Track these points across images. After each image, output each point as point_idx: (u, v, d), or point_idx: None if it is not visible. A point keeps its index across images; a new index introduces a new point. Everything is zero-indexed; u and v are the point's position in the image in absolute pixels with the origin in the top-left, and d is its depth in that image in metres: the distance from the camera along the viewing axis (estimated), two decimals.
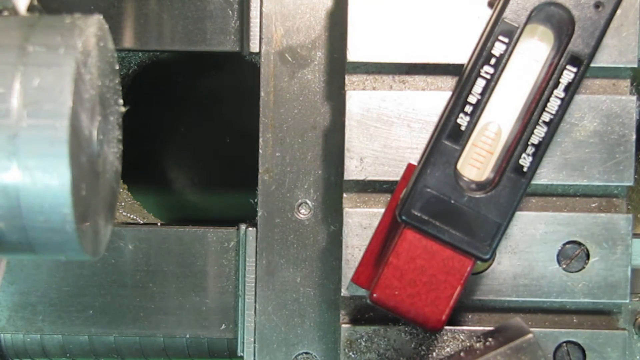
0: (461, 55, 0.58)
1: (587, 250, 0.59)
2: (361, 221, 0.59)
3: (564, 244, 0.59)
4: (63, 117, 0.39)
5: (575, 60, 0.54)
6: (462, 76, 0.55)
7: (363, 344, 0.60)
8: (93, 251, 0.44)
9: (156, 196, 0.87)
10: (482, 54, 0.54)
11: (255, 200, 0.66)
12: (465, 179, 0.55)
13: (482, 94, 0.54)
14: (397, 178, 0.58)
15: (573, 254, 0.59)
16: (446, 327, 0.58)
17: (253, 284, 0.66)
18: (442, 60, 0.58)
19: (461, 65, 0.57)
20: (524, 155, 0.54)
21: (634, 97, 0.58)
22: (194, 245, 0.67)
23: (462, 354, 0.58)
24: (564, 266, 0.59)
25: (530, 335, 0.55)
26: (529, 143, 0.54)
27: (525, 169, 0.54)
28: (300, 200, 0.65)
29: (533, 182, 0.55)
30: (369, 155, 0.59)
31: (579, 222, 0.59)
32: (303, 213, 0.65)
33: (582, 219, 0.59)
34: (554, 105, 0.54)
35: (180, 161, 0.88)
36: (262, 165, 0.65)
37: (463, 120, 0.54)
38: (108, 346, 0.71)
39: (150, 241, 0.67)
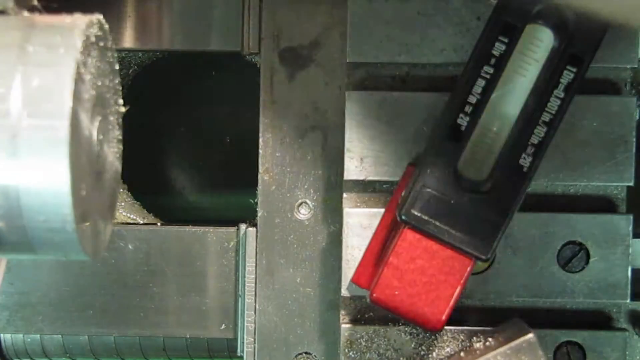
0: (461, 55, 0.58)
1: (587, 251, 0.59)
2: (361, 221, 0.59)
3: (564, 244, 0.59)
4: (63, 117, 0.39)
5: (575, 60, 0.54)
6: (462, 76, 0.55)
7: (363, 344, 0.60)
8: (93, 251, 0.44)
9: (156, 196, 0.87)
10: (482, 54, 0.54)
11: (255, 200, 0.66)
12: (465, 179, 0.55)
13: (482, 94, 0.54)
14: (397, 178, 0.58)
15: (573, 254, 0.59)
16: (446, 327, 0.58)
17: (253, 284, 0.66)
18: (442, 60, 0.58)
19: (461, 65, 0.57)
20: (524, 155, 0.54)
21: (634, 97, 0.58)
22: (194, 245, 0.67)
23: (462, 354, 0.58)
24: (564, 266, 0.59)
25: (530, 335, 0.55)
26: (529, 143, 0.54)
27: (525, 169, 0.54)
28: (300, 200, 0.65)
29: (533, 182, 0.55)
30: (369, 155, 0.59)
31: (579, 222, 0.59)
32: (303, 213, 0.65)
33: (582, 219, 0.59)
34: (554, 105, 0.54)
35: (180, 161, 0.88)
36: (262, 165, 0.65)
37: (463, 120, 0.54)
38: (108, 346, 0.71)
39: (150, 241, 0.67)
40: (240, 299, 0.66)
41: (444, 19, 0.58)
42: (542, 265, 0.59)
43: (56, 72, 0.39)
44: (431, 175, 0.54)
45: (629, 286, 0.59)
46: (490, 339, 0.58)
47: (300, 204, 0.65)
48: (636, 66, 0.58)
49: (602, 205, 0.60)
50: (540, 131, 0.54)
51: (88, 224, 0.43)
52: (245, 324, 0.66)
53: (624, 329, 0.60)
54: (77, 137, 0.40)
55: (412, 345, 0.59)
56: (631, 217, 0.59)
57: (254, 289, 0.66)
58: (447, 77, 0.59)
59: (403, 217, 0.54)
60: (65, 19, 0.42)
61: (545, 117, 0.54)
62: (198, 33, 0.66)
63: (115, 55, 0.47)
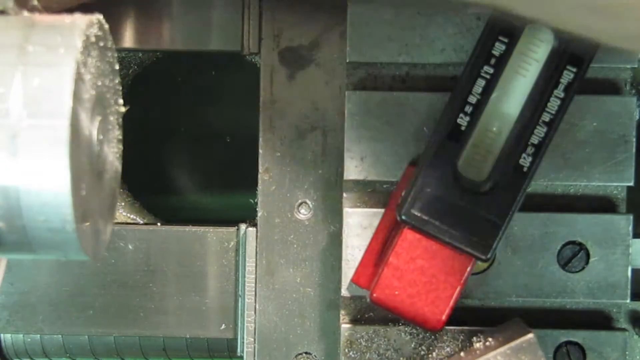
0: (461, 55, 0.58)
1: (587, 251, 0.59)
2: (361, 221, 0.59)
3: (564, 244, 0.59)
4: (63, 117, 0.39)
5: (575, 60, 0.54)
6: (462, 76, 0.55)
7: (363, 344, 0.60)
8: (93, 251, 0.44)
9: (156, 196, 0.87)
10: (482, 54, 0.54)
11: (255, 200, 0.66)
12: (465, 179, 0.55)
13: (482, 94, 0.54)
14: (397, 178, 0.58)
15: (573, 254, 0.59)
16: (446, 327, 0.58)
17: (253, 284, 0.66)
18: (442, 60, 0.58)
19: (461, 65, 0.57)
20: (524, 155, 0.54)
21: (634, 97, 0.58)
22: (194, 245, 0.67)
23: (462, 354, 0.58)
24: (564, 266, 0.59)
25: (530, 335, 0.55)
26: (529, 143, 0.54)
27: (525, 169, 0.54)
28: (300, 200, 0.65)
29: (533, 182, 0.55)
30: (369, 155, 0.59)
31: (579, 222, 0.59)
32: (303, 213, 0.65)
33: (582, 219, 0.59)
34: (554, 105, 0.54)
35: (180, 161, 0.88)
36: (262, 165, 0.65)
37: (463, 120, 0.54)
38: (108, 346, 0.71)
39: (150, 241, 0.67)
40: (240, 299, 0.66)
41: (444, 19, 0.58)
42: (542, 265, 0.59)
43: (56, 72, 0.39)
44: (431, 175, 0.54)
45: (629, 286, 0.59)
46: (490, 339, 0.58)
47: (300, 204, 0.65)
48: (636, 66, 0.58)
49: (602, 205, 0.60)
50: (540, 131, 0.54)
51: (88, 224, 0.43)
52: (245, 324, 0.66)
53: (624, 329, 0.60)
54: (77, 137, 0.40)
55: (412, 345, 0.59)
56: (631, 217, 0.59)
57: (254, 289, 0.66)
58: (447, 77, 0.59)
59: (403, 217, 0.54)
60: (65, 19, 0.42)
61: (545, 117, 0.54)
62: (198, 33, 0.66)
63: (115, 55, 0.47)
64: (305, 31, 0.65)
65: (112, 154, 0.48)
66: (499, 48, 0.54)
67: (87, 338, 0.70)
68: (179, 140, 0.88)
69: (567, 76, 0.54)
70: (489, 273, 0.59)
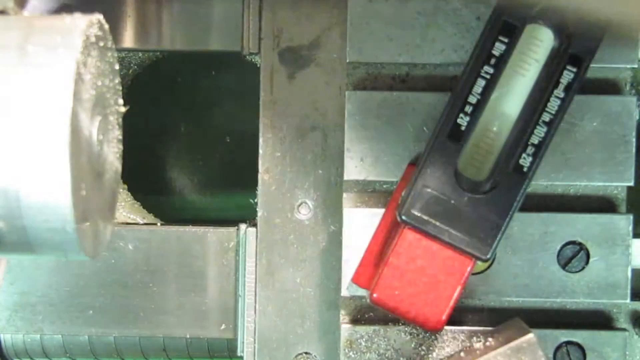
0: (461, 55, 0.58)
1: (587, 251, 0.59)
2: (361, 221, 0.59)
3: (564, 244, 0.59)
4: (63, 117, 0.39)
5: (575, 60, 0.54)
6: (462, 76, 0.55)
7: (363, 344, 0.60)
8: (93, 251, 0.44)
9: (156, 196, 0.87)
10: (482, 54, 0.54)
11: (255, 200, 0.66)
12: (465, 179, 0.55)
13: (482, 94, 0.54)
14: (397, 178, 0.58)
15: (573, 254, 0.59)
16: (446, 327, 0.58)
17: (253, 284, 0.66)
18: (442, 60, 0.58)
19: (461, 65, 0.57)
20: (524, 155, 0.54)
21: (634, 97, 0.58)
22: (194, 245, 0.67)
23: (462, 354, 0.58)
24: (564, 266, 0.59)
25: (530, 335, 0.55)
26: (529, 143, 0.54)
27: (525, 169, 0.54)
28: (300, 200, 0.65)
29: (533, 182, 0.55)
30: (369, 155, 0.59)
31: (579, 222, 0.59)
32: (303, 213, 0.65)
33: (582, 219, 0.59)
34: (554, 105, 0.54)
35: (180, 161, 0.88)
36: (262, 165, 0.65)
37: (463, 120, 0.54)
38: (108, 346, 0.71)
39: (150, 241, 0.67)
40: (240, 299, 0.66)
41: (444, 19, 0.58)
42: (542, 265, 0.59)
43: (56, 72, 0.39)
44: (431, 175, 0.54)
45: (629, 286, 0.59)
46: (490, 339, 0.58)
47: (300, 204, 0.65)
48: (636, 66, 0.58)
49: (602, 205, 0.60)
50: (540, 131, 0.54)
51: (88, 224, 0.43)
52: (245, 324, 0.66)
53: (624, 329, 0.60)
54: (77, 137, 0.40)
55: (412, 345, 0.59)
56: (631, 217, 0.59)
57: (254, 289, 0.66)
58: (447, 77, 0.59)
59: (403, 217, 0.54)
60: (65, 19, 0.42)
61: (545, 117, 0.54)
62: (198, 33, 0.66)
63: (115, 55, 0.47)
64: (305, 31, 0.65)
65: (112, 154, 0.48)
66: (499, 48, 0.54)
67: (87, 338, 0.70)
68: (179, 140, 0.88)
69: (567, 76, 0.54)
70: (489, 273, 0.59)
